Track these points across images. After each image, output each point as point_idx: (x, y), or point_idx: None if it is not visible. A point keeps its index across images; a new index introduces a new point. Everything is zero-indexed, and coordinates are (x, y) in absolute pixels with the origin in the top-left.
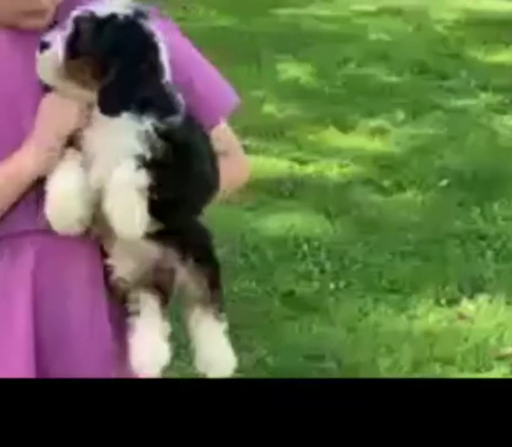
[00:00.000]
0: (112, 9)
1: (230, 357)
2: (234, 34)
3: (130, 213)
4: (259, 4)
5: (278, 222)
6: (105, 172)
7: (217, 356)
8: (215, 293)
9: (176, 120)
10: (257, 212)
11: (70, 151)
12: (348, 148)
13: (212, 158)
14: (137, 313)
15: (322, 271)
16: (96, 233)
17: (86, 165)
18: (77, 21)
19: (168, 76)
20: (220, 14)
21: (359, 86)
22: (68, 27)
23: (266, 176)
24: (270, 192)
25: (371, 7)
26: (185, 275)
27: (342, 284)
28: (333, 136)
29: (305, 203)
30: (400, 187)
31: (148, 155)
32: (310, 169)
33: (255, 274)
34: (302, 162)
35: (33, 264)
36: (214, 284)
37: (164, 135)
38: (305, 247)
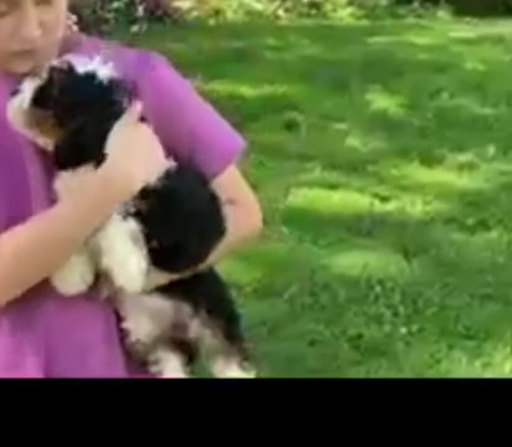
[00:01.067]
0: (96, 66)
1: None
2: (325, 63)
3: (126, 262)
4: (353, 32)
5: (352, 261)
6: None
7: None
8: (234, 344)
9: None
10: (331, 249)
11: None
12: (433, 184)
13: (210, 199)
14: (160, 373)
15: (395, 314)
16: (108, 296)
17: None
18: (52, 71)
19: None
20: (313, 42)
21: (450, 118)
22: (42, 75)
23: (345, 211)
24: (349, 229)
25: (471, 34)
26: (198, 328)
27: (414, 328)
28: (418, 171)
29: (383, 242)
30: (485, 226)
31: (131, 209)
32: (391, 205)
33: (323, 314)
34: (384, 198)
35: (45, 328)
36: (230, 334)
37: (143, 189)
38: (378, 288)
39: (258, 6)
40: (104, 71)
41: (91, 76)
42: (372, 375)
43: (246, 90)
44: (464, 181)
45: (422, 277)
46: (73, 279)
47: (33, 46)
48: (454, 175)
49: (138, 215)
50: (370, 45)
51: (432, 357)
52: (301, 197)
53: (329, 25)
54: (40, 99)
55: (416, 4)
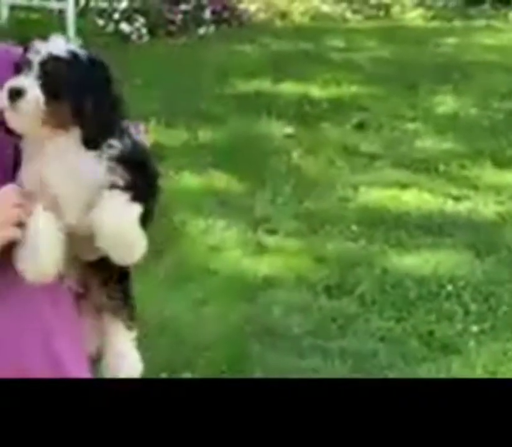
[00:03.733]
0: (64, 47)
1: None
2: (394, 64)
3: (132, 245)
4: (422, 34)
5: (423, 259)
6: (83, 209)
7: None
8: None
9: (127, 143)
10: (402, 248)
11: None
12: (506, 185)
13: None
14: None
15: (466, 312)
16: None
17: (52, 206)
18: (44, 64)
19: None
20: (381, 44)
21: None
22: (33, 70)
23: (416, 211)
24: (420, 228)
25: None
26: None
27: (486, 326)
28: (490, 172)
29: (454, 241)
30: None
31: (121, 182)
32: (463, 205)
33: (394, 312)
34: (455, 198)
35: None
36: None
37: (123, 159)
38: (449, 287)
39: (326, 8)
40: (74, 47)
41: (75, 55)
42: (443, 372)
43: (315, 91)
44: None
45: (494, 277)
46: (48, 267)
47: None
48: None
49: (129, 189)
50: (440, 46)
51: (505, 355)
52: (371, 195)
53: (397, 27)
54: (51, 93)
55: (486, 5)
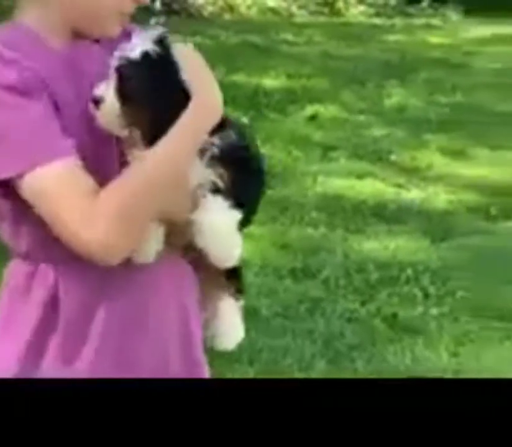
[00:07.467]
0: (143, 46)
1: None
2: (341, 58)
3: (230, 249)
4: (365, 31)
5: (382, 245)
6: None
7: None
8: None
9: (230, 139)
10: (362, 234)
11: None
12: (455, 175)
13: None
14: None
15: (426, 296)
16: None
17: None
18: (118, 69)
19: None
20: (328, 39)
21: (468, 112)
22: (111, 75)
23: (372, 198)
24: (376, 215)
25: (485, 33)
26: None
27: (445, 309)
28: (439, 163)
29: (409, 228)
30: (508, 216)
31: (223, 185)
32: (415, 194)
33: (358, 295)
34: (407, 188)
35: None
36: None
37: (225, 158)
38: (409, 271)
39: (272, 3)
40: (147, 45)
41: (149, 56)
42: (408, 353)
43: (267, 83)
44: (486, 172)
45: (450, 262)
46: (150, 249)
47: (130, 9)
48: (474, 166)
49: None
50: (383, 42)
51: (465, 336)
52: (329, 185)
53: (342, 23)
54: (125, 98)
55: (424, 4)
